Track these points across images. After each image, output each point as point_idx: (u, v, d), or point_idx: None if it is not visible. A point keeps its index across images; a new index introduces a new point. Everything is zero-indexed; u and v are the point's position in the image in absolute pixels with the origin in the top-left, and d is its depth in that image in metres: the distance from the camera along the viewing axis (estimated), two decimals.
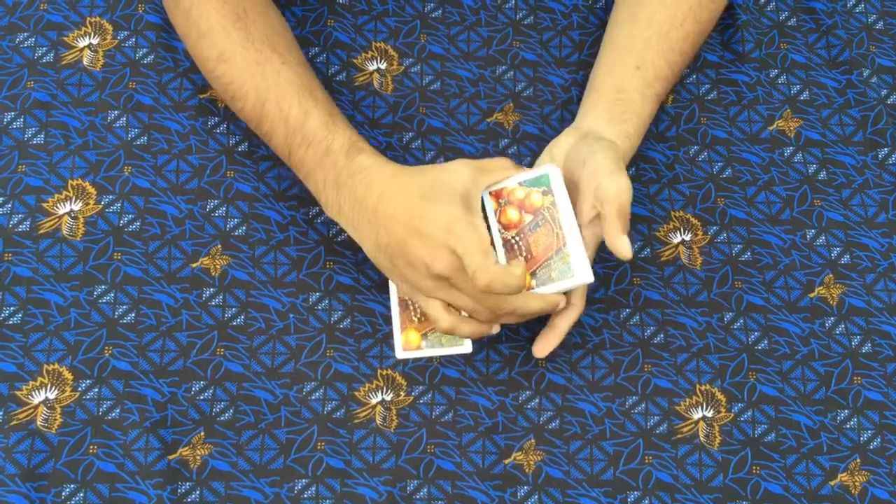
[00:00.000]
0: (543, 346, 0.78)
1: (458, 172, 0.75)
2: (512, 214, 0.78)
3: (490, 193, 0.78)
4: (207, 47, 0.81)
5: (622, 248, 0.73)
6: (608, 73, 0.84)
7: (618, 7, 0.88)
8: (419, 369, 0.80)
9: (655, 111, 0.83)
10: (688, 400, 0.81)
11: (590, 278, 0.74)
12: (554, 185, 0.77)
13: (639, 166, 0.88)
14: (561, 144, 0.81)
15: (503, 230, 0.77)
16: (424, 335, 0.77)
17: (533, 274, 0.76)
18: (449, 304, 0.74)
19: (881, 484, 0.79)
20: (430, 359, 0.81)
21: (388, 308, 0.82)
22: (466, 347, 0.76)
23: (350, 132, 0.78)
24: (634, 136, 0.81)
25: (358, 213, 0.76)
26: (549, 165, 0.78)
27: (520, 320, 0.76)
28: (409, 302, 0.77)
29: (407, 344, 0.77)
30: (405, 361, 0.80)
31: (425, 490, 0.77)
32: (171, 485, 0.76)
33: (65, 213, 0.83)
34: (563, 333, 0.78)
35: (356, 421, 0.79)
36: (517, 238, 0.77)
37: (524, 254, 0.76)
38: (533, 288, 0.76)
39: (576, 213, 0.76)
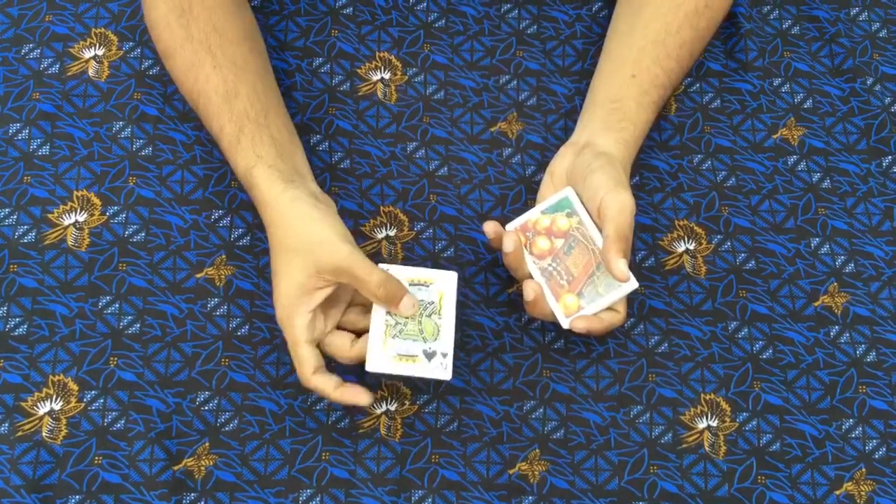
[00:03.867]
0: (585, 323, 0.76)
1: (320, 254, 0.73)
2: (542, 244, 0.78)
3: (515, 230, 0.79)
4: (155, 40, 0.83)
5: (619, 271, 0.74)
6: (604, 84, 0.84)
7: (615, 19, 0.88)
8: (424, 378, 0.80)
9: (653, 119, 0.83)
10: (692, 409, 0.81)
11: (635, 284, 0.76)
12: (576, 205, 0.78)
13: (642, 175, 0.88)
14: (560, 164, 0.81)
15: (537, 261, 0.78)
16: (580, 293, 0.77)
17: (579, 294, 0.77)
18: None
19: (886, 493, 0.79)
20: None
21: None
22: (627, 285, 0.75)
23: (250, 155, 0.77)
24: (631, 143, 0.81)
25: None
26: (566, 189, 0.79)
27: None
28: (552, 269, 0.78)
29: (567, 310, 0.77)
30: None
31: (430, 500, 0.77)
32: (176, 495, 0.76)
33: (70, 224, 0.83)
34: (603, 325, 0.77)
35: (361, 431, 0.79)
36: (553, 265, 0.78)
37: (565, 278, 0.77)
38: (582, 308, 0.77)
39: None
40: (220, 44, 0.80)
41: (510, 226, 0.80)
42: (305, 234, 0.73)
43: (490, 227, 0.78)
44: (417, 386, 0.80)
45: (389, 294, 0.73)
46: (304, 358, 0.73)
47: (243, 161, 0.77)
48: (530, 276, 0.78)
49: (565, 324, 0.77)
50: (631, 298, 0.84)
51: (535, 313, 0.78)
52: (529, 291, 0.76)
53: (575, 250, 0.78)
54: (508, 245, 0.77)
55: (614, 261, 0.73)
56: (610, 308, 0.77)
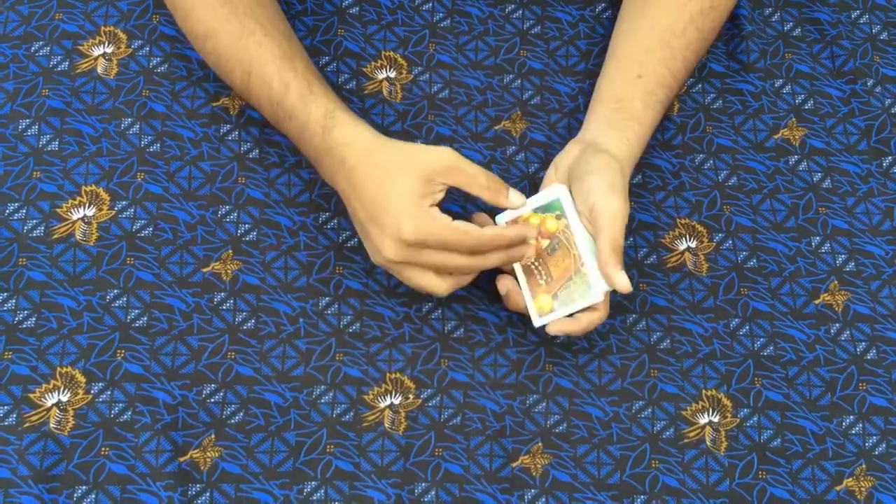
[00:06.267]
0: (558, 326, 0.78)
1: (427, 158, 0.76)
2: None
3: (506, 224, 0.80)
4: (194, 25, 0.83)
5: (619, 283, 0.75)
6: (610, 83, 0.85)
7: (621, 19, 0.89)
8: (428, 373, 0.81)
9: (659, 119, 0.84)
10: (694, 405, 0.81)
11: (600, 298, 0.77)
12: (566, 207, 0.78)
13: (645, 174, 0.89)
14: (564, 158, 0.82)
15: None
16: (555, 295, 0.78)
17: (554, 296, 0.77)
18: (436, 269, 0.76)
19: (886, 489, 0.79)
20: (438, 362, 0.82)
21: (397, 313, 0.83)
22: (597, 296, 0.76)
23: (326, 102, 0.79)
24: (635, 141, 0.82)
25: (337, 187, 0.79)
26: (559, 188, 0.79)
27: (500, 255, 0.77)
28: (533, 267, 0.79)
29: (541, 310, 0.78)
30: (413, 364, 0.81)
31: (433, 493, 0.77)
32: (182, 486, 0.76)
33: (78, 219, 0.84)
34: (580, 326, 0.78)
35: (365, 424, 0.79)
36: (536, 263, 0.79)
37: (544, 277, 0.78)
38: (555, 310, 0.77)
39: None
40: (266, 16, 0.81)
41: (501, 217, 0.80)
42: (406, 148, 0.76)
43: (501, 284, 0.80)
44: (421, 380, 0.81)
45: (497, 187, 0.76)
46: (466, 227, 0.74)
47: (320, 107, 0.78)
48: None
49: (537, 322, 0.78)
50: (633, 295, 0.84)
51: (509, 306, 0.80)
52: (501, 287, 0.79)
53: (558, 252, 0.79)
54: (502, 289, 0.80)
55: (615, 274, 0.75)
56: (590, 307, 0.78)
